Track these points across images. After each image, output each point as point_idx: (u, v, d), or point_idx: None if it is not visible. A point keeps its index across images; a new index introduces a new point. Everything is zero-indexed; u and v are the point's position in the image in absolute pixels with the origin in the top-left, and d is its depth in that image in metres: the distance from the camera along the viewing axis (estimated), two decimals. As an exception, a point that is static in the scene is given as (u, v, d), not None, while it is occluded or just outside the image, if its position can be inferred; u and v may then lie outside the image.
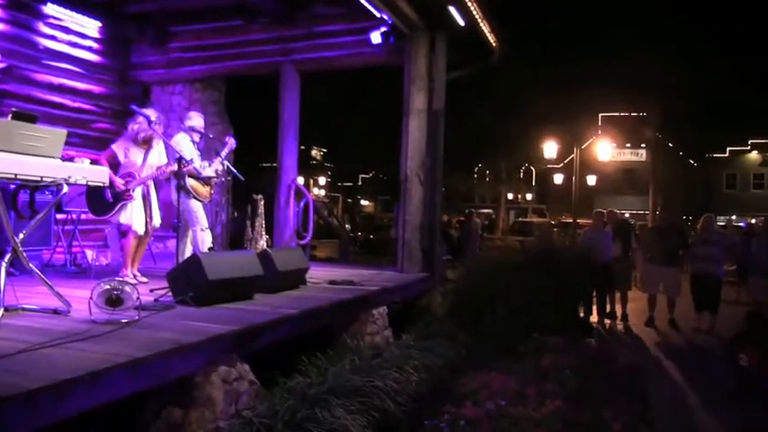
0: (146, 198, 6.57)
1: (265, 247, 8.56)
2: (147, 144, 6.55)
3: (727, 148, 46.99)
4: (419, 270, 8.46)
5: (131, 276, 6.41)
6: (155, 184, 6.74)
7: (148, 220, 6.54)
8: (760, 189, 47.07)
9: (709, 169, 47.95)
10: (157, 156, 6.66)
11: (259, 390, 4.22)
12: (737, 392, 6.59)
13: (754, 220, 28.44)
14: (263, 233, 8.78)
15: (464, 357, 6.36)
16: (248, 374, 4.17)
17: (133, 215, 6.41)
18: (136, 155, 6.54)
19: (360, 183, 51.60)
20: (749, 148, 46.56)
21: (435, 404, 4.97)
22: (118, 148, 6.51)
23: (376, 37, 8.81)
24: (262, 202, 8.85)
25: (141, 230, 6.45)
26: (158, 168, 6.51)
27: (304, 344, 5.10)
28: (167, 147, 6.71)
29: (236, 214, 11.36)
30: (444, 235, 12.72)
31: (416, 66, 8.72)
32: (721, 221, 34.95)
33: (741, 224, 30.83)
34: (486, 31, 8.97)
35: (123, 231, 6.87)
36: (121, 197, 6.35)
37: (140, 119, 6.44)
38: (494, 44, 9.35)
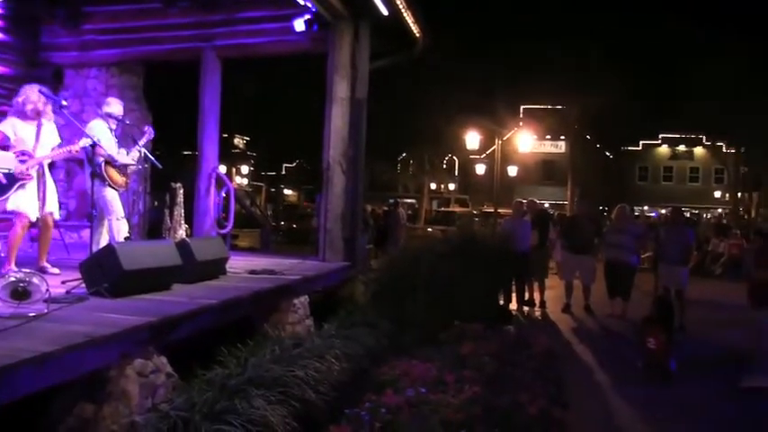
0: (39, 181, 5.96)
1: (184, 236, 8.38)
2: (36, 117, 5.95)
3: (640, 142, 48.81)
4: (341, 259, 8.45)
5: (16, 271, 5.43)
6: (68, 172, 6.43)
7: (41, 205, 5.94)
8: (669, 181, 49.17)
9: (623, 162, 49.68)
10: (50, 134, 6.09)
11: (177, 382, 4.14)
12: (645, 373, 6.93)
13: (663, 211, 29.62)
14: (183, 222, 8.60)
15: (386, 346, 6.41)
16: (166, 367, 4.08)
17: (24, 200, 5.80)
18: (26, 131, 5.93)
19: (284, 172, 51.10)
20: (660, 142, 48.51)
21: (356, 393, 4.98)
22: (5, 127, 5.88)
23: (299, 24, 8.70)
24: (181, 191, 8.66)
25: (33, 217, 5.88)
26: (57, 149, 5.98)
27: (224, 334, 5.02)
28: (75, 129, 6.30)
29: (155, 203, 11.07)
30: (367, 224, 12.77)
31: (340, 54, 8.68)
32: (635, 212, 36.33)
33: (653, 214, 32.14)
34: (409, 21, 8.99)
35: (8, 218, 6.10)
36: (18, 178, 5.74)
37: (26, 90, 5.92)
38: (417, 34, 9.39)
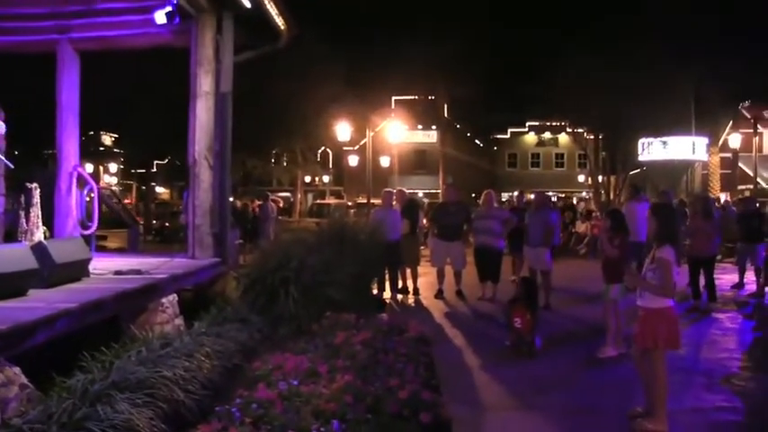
0: None
1: (42, 239, 7.95)
2: None
3: (509, 130, 50.72)
4: (211, 255, 8.31)
5: None
6: None
7: None
8: (537, 168, 51.47)
9: (493, 149, 51.47)
10: None
11: (33, 393, 3.95)
12: (512, 351, 7.29)
13: (532, 196, 30.96)
14: (40, 224, 8.14)
15: (259, 340, 6.37)
16: (19, 378, 3.88)
17: None
18: None
19: (155, 169, 49.32)
20: (527, 129, 50.59)
21: (229, 389, 4.96)
22: None
23: (160, 17, 8.40)
24: (37, 192, 8.18)
25: None
26: None
27: (88, 339, 4.83)
28: None
29: (14, 205, 10.42)
30: (237, 218, 12.60)
31: (203, 48, 8.50)
32: (505, 197, 37.77)
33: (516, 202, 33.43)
34: (273, 13, 8.92)
35: None
36: None
37: None
38: (282, 26, 9.32)
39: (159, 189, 53.97)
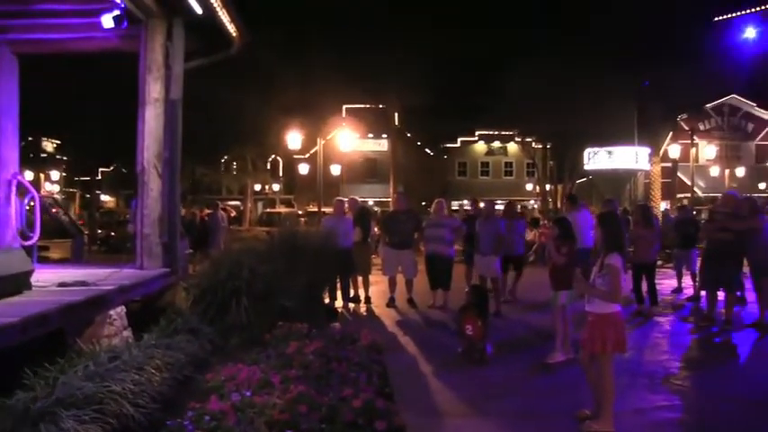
0: None
1: (-20, 250, 7.68)
2: None
3: (459, 139, 51.14)
4: (160, 265, 8.12)
5: None
6: None
7: None
8: (486, 176, 52.04)
9: (443, 158, 51.85)
10: None
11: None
12: (464, 358, 7.34)
13: (482, 204, 31.28)
14: (-23, 236, 7.88)
15: (210, 351, 6.31)
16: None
17: None
18: None
19: (99, 177, 48.28)
20: (477, 139, 51.14)
21: (180, 402, 4.87)
22: None
23: (107, 21, 8.21)
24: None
25: None
26: None
27: (31, 355, 4.66)
28: None
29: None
30: (187, 228, 12.41)
31: (153, 53, 8.33)
32: (455, 206, 38.14)
33: (471, 208, 33.83)
34: (226, 20, 8.81)
35: None
36: None
37: None
38: (234, 34, 9.21)
39: (104, 197, 52.91)
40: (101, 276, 7.02)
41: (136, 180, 8.46)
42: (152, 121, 8.24)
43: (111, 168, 50.19)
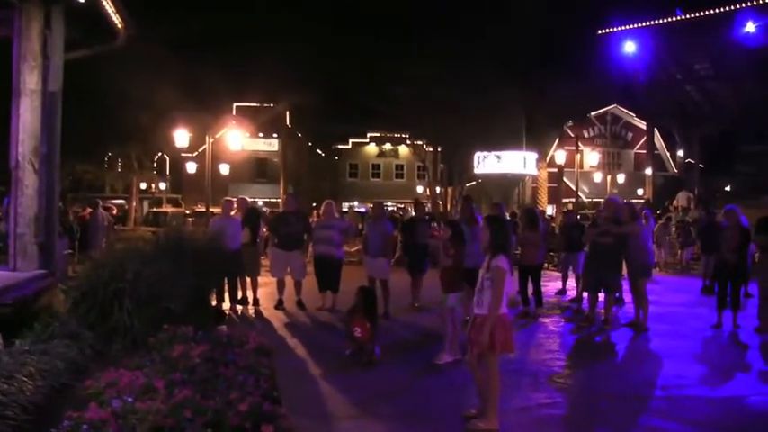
0: None
1: None
2: None
3: (350, 140, 51.37)
4: (36, 267, 7.71)
5: None
6: None
7: None
8: (378, 178, 52.56)
9: (334, 159, 51.92)
10: None
11: None
12: (352, 360, 7.39)
13: (371, 205, 31.58)
14: None
15: (90, 357, 6.07)
16: None
17: None
18: None
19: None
20: (368, 140, 51.54)
21: (56, 411, 4.62)
22: None
23: (-29, 3, 7.75)
24: None
25: None
26: None
27: None
28: None
29: None
30: (66, 228, 11.85)
31: (28, 42, 7.88)
32: (345, 207, 38.28)
33: (362, 209, 34.04)
34: (110, 10, 8.47)
35: None
36: None
37: None
38: (119, 25, 8.87)
39: (-27, 194, 49.62)
40: (-33, 278, 6.59)
41: (9, 176, 7.99)
42: (27, 113, 7.80)
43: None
